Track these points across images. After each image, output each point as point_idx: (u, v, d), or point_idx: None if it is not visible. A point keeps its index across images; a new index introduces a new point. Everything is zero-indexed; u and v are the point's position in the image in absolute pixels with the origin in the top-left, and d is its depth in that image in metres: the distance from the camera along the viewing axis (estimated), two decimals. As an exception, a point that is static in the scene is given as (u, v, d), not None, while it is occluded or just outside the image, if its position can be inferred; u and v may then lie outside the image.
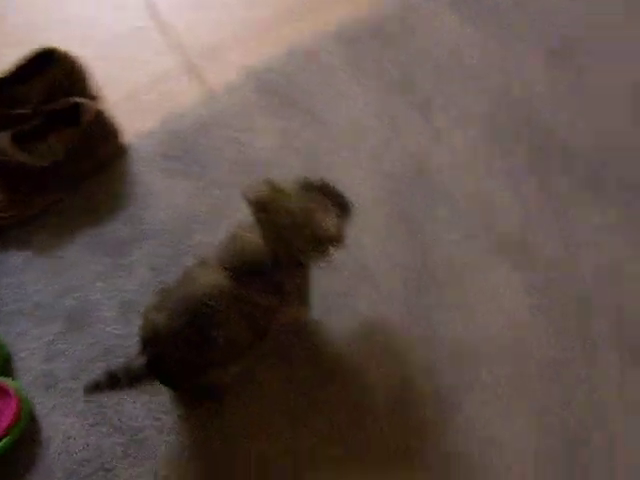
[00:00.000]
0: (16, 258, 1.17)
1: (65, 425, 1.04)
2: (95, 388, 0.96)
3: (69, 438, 1.04)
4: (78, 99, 1.19)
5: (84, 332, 1.10)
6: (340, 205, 0.95)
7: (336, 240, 0.93)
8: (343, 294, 1.10)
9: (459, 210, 1.17)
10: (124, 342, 1.08)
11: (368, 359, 1.04)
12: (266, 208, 0.90)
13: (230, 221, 1.15)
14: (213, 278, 0.92)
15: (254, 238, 0.92)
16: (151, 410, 1.03)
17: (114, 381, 0.96)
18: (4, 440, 1.01)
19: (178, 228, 1.18)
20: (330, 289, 1.09)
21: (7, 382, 1.05)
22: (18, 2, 1.48)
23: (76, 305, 1.12)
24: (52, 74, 1.23)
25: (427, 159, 1.22)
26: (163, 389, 1.02)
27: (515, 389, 1.02)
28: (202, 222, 1.18)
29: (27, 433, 1.04)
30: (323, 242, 0.92)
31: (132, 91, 1.33)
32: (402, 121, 1.26)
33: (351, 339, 1.06)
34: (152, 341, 0.93)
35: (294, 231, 0.90)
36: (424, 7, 1.40)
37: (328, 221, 0.91)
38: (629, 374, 1.02)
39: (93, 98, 1.28)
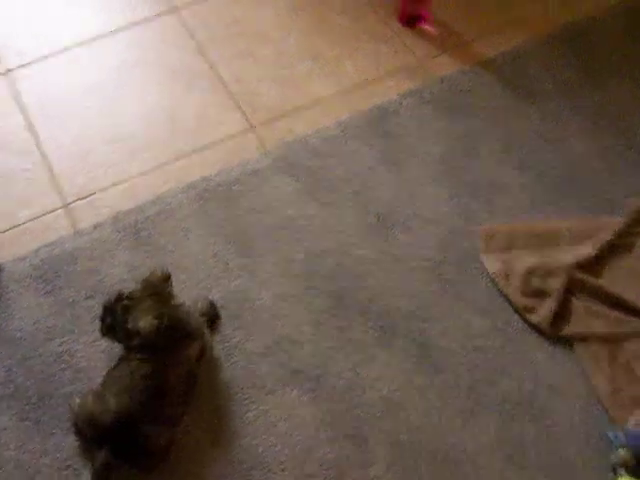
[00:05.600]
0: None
1: None
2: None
3: None
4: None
5: None
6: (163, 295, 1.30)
7: (144, 336, 1.23)
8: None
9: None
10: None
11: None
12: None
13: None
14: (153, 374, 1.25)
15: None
16: None
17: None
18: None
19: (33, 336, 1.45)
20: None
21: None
22: None
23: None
24: None
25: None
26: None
27: None
28: (59, 333, 1.45)
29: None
30: (136, 335, 1.23)
31: (14, 224, 1.61)
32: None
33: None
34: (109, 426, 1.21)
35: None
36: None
37: (141, 321, 1.23)
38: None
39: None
